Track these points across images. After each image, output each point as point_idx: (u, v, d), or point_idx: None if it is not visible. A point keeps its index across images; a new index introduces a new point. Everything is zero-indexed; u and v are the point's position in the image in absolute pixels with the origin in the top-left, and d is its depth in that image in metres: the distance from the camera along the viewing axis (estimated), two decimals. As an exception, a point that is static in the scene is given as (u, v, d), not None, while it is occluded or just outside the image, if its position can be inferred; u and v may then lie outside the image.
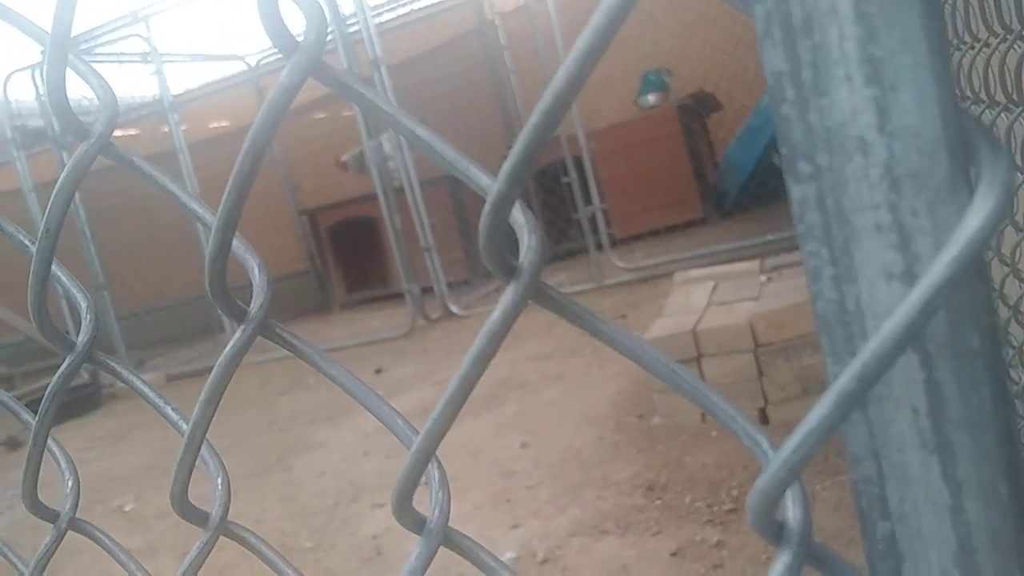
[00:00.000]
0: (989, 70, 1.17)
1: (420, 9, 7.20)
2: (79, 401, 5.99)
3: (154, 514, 3.54)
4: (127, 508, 3.73)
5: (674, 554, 2.21)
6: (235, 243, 0.38)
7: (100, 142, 0.42)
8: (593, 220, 5.96)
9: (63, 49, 0.39)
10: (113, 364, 0.51)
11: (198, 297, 7.51)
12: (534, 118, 0.27)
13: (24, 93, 6.88)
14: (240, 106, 8.12)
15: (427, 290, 6.19)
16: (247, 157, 0.33)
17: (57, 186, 0.42)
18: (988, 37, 1.16)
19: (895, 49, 0.24)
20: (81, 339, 0.48)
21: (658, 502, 2.50)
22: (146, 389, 0.50)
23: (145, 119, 7.35)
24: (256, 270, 0.40)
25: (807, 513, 0.29)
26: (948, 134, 0.24)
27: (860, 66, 0.25)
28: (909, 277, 0.26)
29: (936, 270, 0.23)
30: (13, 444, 5.64)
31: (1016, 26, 1.07)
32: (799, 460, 0.26)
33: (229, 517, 0.51)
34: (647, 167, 6.44)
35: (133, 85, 7.10)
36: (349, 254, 7.62)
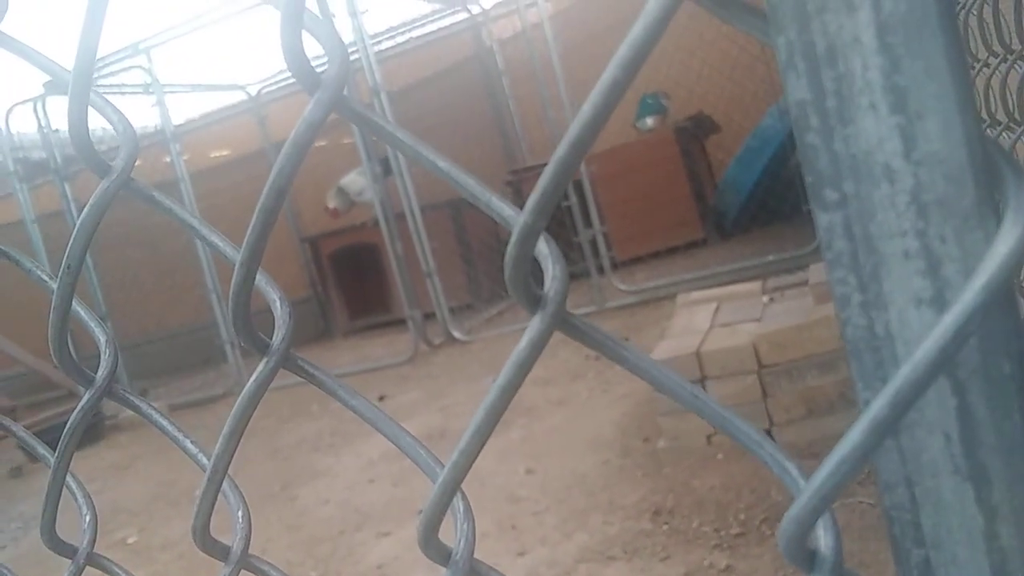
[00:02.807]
0: (990, 90, 1.18)
1: (419, 37, 7.26)
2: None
3: (158, 546, 3.52)
4: (130, 540, 3.71)
5: (683, 579, 2.19)
6: (257, 277, 0.39)
7: (121, 178, 0.42)
8: (594, 243, 5.98)
9: (85, 86, 0.40)
10: (132, 398, 0.51)
11: (201, 327, 7.52)
12: (561, 150, 0.27)
13: (26, 125, 6.93)
14: (241, 135, 8.17)
15: (429, 316, 6.18)
16: (272, 191, 0.33)
17: (79, 223, 0.43)
18: (988, 57, 1.17)
19: (919, 78, 0.25)
20: (100, 373, 0.48)
21: (665, 527, 2.49)
22: (165, 422, 0.50)
23: (147, 149, 7.38)
24: (278, 303, 0.40)
25: (839, 540, 0.29)
26: (974, 161, 0.25)
27: (885, 95, 0.25)
28: (939, 303, 0.26)
29: (968, 296, 0.23)
30: (17, 474, 5.63)
31: (1016, 46, 1.08)
32: (833, 488, 0.26)
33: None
34: (647, 190, 6.46)
35: (135, 116, 7.15)
36: (351, 281, 7.63)
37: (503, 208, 0.33)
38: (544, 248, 0.32)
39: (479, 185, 0.34)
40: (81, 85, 0.40)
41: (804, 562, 0.29)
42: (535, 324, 0.31)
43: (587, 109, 0.27)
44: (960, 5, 1.28)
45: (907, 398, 0.24)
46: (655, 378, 0.32)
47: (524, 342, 0.31)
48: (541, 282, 0.32)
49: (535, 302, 0.31)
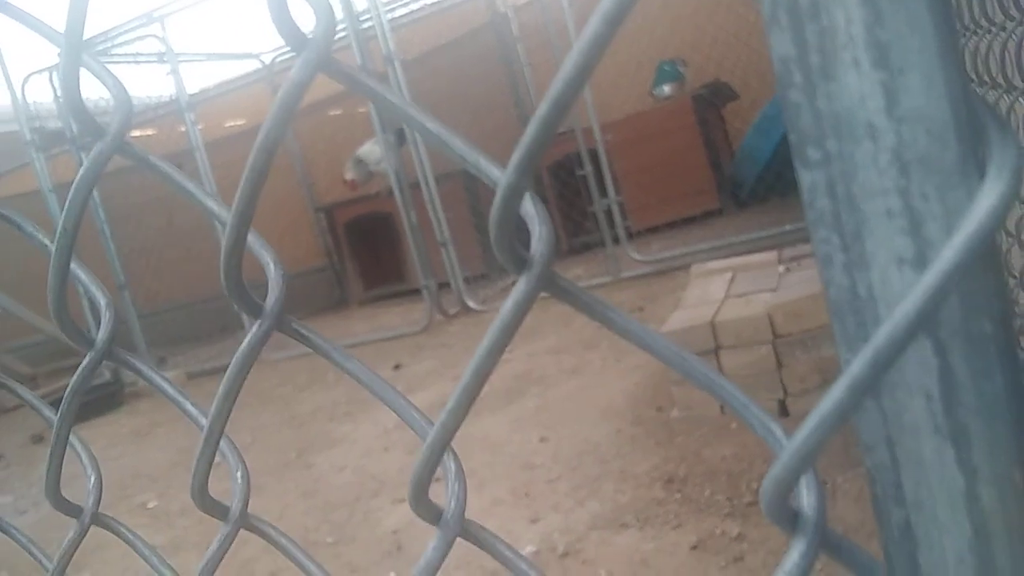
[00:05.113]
0: (1006, 54, 1.16)
1: (433, 4, 7.19)
2: (102, 399, 6.06)
3: (177, 511, 3.57)
4: (150, 505, 3.77)
5: (694, 547, 2.21)
6: (250, 238, 0.39)
7: (115, 141, 0.42)
8: (609, 213, 5.94)
9: (77, 50, 0.40)
10: (132, 360, 0.51)
11: (218, 296, 7.56)
12: (543, 108, 0.27)
13: (42, 95, 6.94)
14: (256, 104, 8.16)
15: (444, 285, 6.19)
16: (260, 152, 0.33)
17: (74, 185, 0.43)
18: (1004, 21, 1.14)
19: (902, 32, 0.24)
20: (101, 336, 0.49)
21: (677, 495, 2.50)
22: (166, 385, 0.50)
23: (162, 119, 7.39)
24: (271, 265, 0.40)
25: (822, 501, 0.29)
26: (957, 117, 0.24)
27: (867, 50, 0.25)
28: (921, 262, 0.25)
29: (947, 255, 0.23)
30: (38, 440, 5.72)
31: (1034, 9, 1.06)
32: (813, 447, 0.26)
33: (252, 513, 0.52)
34: (663, 158, 6.41)
35: (149, 85, 7.15)
36: (366, 250, 7.65)
37: (490, 168, 0.33)
38: (531, 209, 0.32)
39: (467, 146, 0.34)
40: (73, 48, 0.40)
41: (787, 522, 0.29)
42: (520, 285, 0.31)
43: (569, 65, 0.26)
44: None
45: (886, 358, 0.24)
46: (642, 340, 0.32)
47: (509, 303, 0.31)
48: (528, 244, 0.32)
49: (521, 263, 0.31)
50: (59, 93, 6.60)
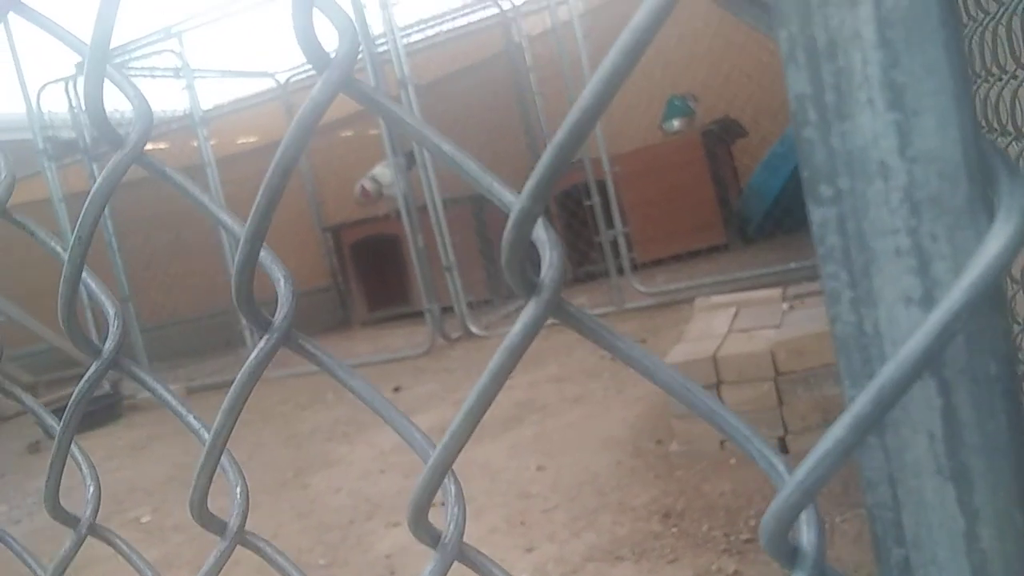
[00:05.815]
0: (1017, 102, 1.17)
1: (449, 31, 7.27)
2: (100, 412, 6.04)
3: (171, 526, 3.55)
4: (144, 520, 3.75)
5: (690, 582, 2.19)
6: (262, 254, 0.39)
7: (134, 151, 0.42)
8: (615, 244, 5.96)
9: (101, 60, 0.40)
10: (138, 371, 0.51)
11: (221, 311, 7.58)
12: (560, 135, 0.27)
13: (56, 105, 7.00)
14: (269, 123, 8.22)
15: (448, 309, 6.19)
16: (277, 169, 0.34)
17: (91, 194, 0.43)
18: (1016, 69, 1.15)
19: (917, 75, 0.25)
20: (108, 345, 0.49)
21: (675, 529, 2.48)
22: (169, 397, 0.50)
23: (175, 133, 7.44)
24: (282, 282, 0.40)
25: (821, 537, 0.29)
26: (968, 160, 0.25)
27: (882, 91, 0.25)
28: (928, 302, 0.26)
29: (954, 295, 0.23)
30: (35, 449, 5.70)
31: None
32: (814, 483, 0.26)
33: (248, 530, 0.52)
34: (671, 192, 6.44)
35: (164, 99, 7.21)
36: (371, 271, 7.66)
37: (503, 193, 0.33)
38: (542, 234, 0.32)
39: (481, 169, 0.34)
40: (98, 59, 0.40)
41: (786, 557, 0.29)
42: (529, 309, 0.31)
43: (587, 95, 0.27)
44: (990, 16, 1.27)
45: (890, 396, 0.24)
46: (646, 368, 0.33)
47: (517, 327, 0.31)
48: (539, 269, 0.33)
49: (531, 288, 0.32)
50: (82, 102, 6.64)
